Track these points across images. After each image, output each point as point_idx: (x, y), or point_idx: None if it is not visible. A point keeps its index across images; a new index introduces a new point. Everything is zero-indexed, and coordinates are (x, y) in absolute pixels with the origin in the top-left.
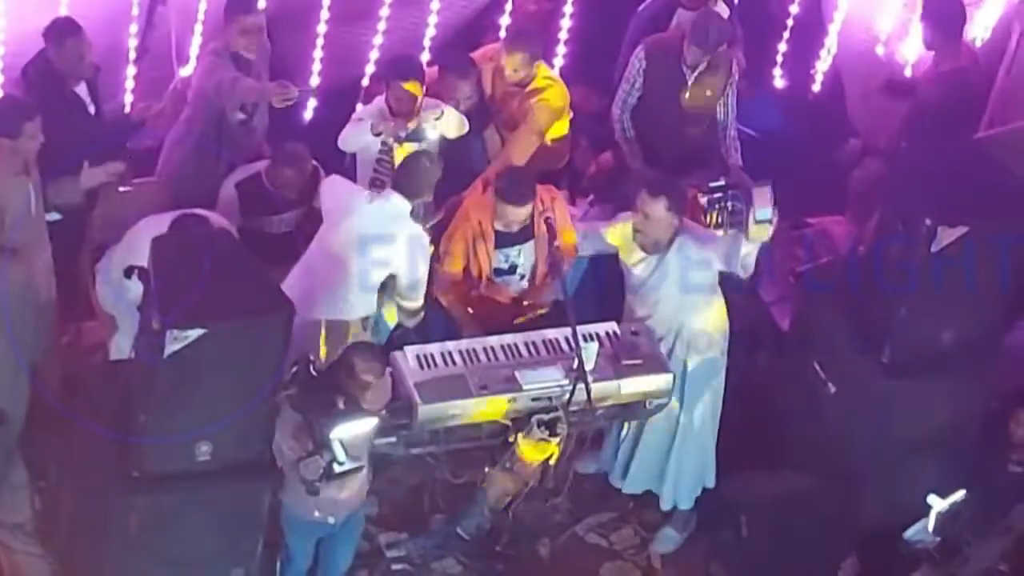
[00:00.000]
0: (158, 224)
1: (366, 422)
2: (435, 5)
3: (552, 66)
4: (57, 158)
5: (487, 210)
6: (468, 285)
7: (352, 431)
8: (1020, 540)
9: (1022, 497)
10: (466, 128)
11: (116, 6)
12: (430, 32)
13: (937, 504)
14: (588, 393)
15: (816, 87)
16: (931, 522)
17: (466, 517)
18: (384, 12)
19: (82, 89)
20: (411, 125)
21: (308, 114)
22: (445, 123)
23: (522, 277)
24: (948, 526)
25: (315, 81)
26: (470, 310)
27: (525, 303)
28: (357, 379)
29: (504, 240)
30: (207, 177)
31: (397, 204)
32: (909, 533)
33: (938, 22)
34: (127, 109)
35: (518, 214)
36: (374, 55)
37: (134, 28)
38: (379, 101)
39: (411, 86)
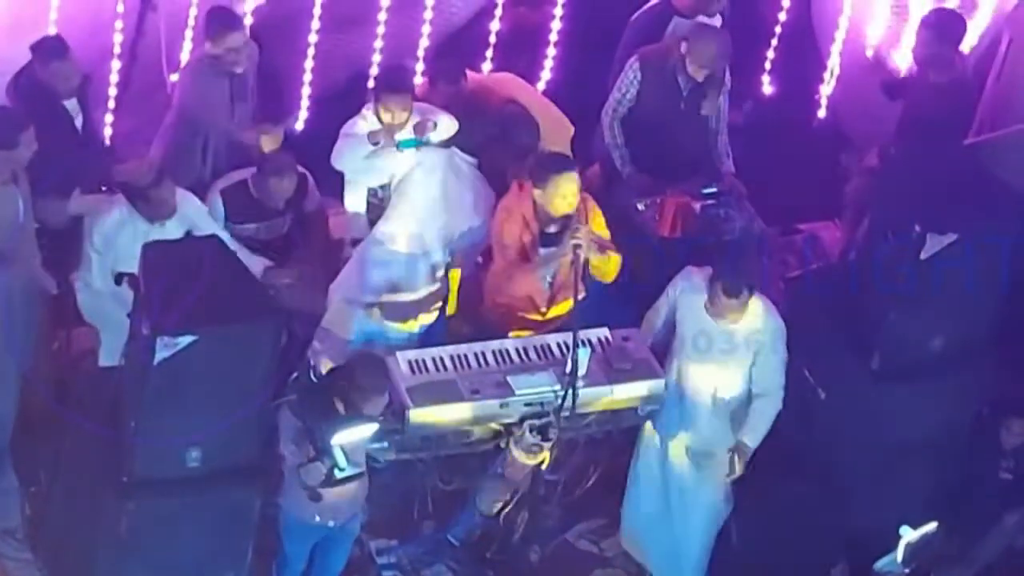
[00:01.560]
0: (115, 211)
1: (367, 428)
2: (427, 15)
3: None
4: (41, 170)
5: (528, 205)
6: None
7: (353, 437)
8: (984, 571)
9: (1011, 505)
10: (456, 127)
11: (106, 12)
12: (422, 41)
13: (907, 535)
14: (574, 398)
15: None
16: (900, 553)
17: (457, 523)
18: (376, 19)
19: (72, 102)
20: (406, 132)
21: (299, 124)
22: (441, 130)
23: (550, 285)
24: (918, 557)
25: (306, 90)
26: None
27: (548, 312)
28: (359, 387)
29: (542, 242)
30: (193, 182)
31: (466, 158)
32: (879, 565)
33: (939, 34)
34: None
35: (569, 188)
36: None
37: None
38: (366, 112)
39: (401, 98)
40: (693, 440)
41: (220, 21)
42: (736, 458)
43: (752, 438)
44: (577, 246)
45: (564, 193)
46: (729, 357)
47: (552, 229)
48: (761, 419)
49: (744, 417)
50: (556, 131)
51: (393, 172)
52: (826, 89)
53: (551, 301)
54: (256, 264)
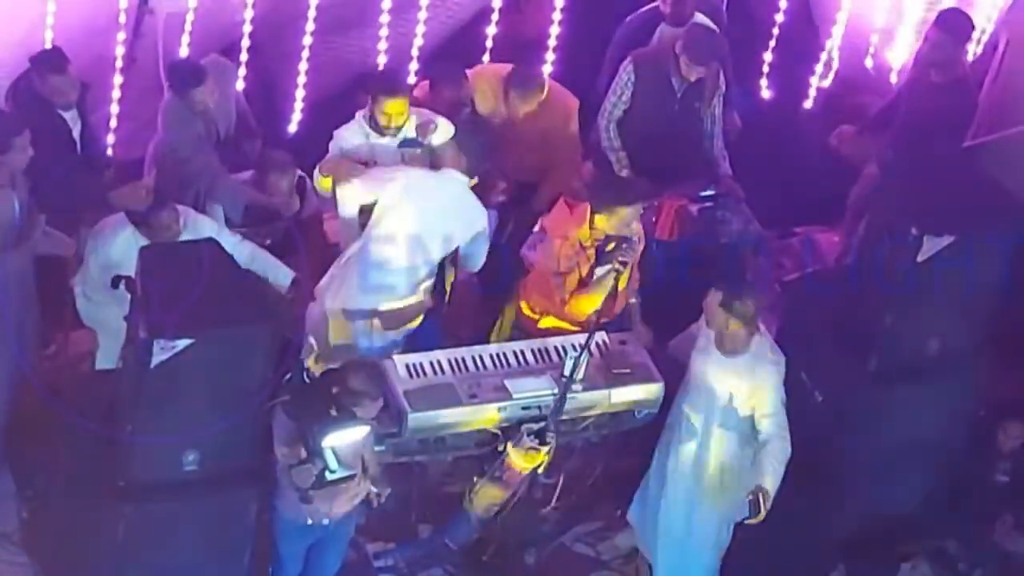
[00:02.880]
0: (121, 230)
1: (358, 430)
2: (422, 15)
3: None
4: (37, 178)
5: (584, 228)
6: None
7: (344, 439)
8: None
9: (1008, 507)
10: (452, 133)
11: (103, 15)
12: (417, 42)
13: None
14: (562, 402)
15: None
16: None
17: (454, 527)
18: (373, 22)
19: (71, 112)
20: (403, 133)
21: (293, 127)
22: (440, 132)
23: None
24: None
25: (300, 93)
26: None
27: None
28: (352, 391)
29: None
30: (190, 189)
31: (458, 177)
32: None
33: (953, 36)
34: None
35: (634, 216)
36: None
37: (122, 35)
38: (359, 116)
39: (398, 102)
40: (700, 455)
41: (183, 78)
42: (760, 501)
43: (769, 482)
44: (623, 263)
45: (629, 221)
46: (735, 387)
47: (609, 247)
48: (773, 463)
49: (757, 456)
50: (561, 107)
51: (379, 193)
52: (817, 81)
53: (599, 315)
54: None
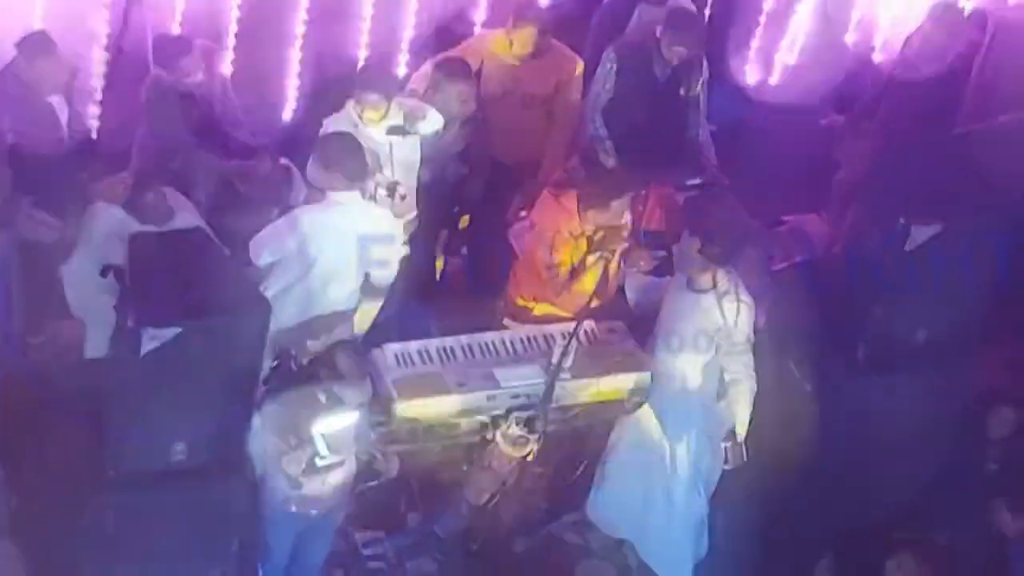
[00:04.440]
0: (109, 212)
1: (348, 416)
2: (412, 6)
3: None
4: (22, 167)
5: (575, 221)
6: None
7: (334, 425)
8: None
9: (998, 494)
10: (442, 124)
11: (93, 6)
12: (407, 34)
13: None
14: (551, 391)
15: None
16: None
17: (443, 515)
18: (363, 13)
19: (58, 97)
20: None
21: (287, 115)
22: (429, 122)
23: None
24: None
25: (295, 82)
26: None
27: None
28: (339, 376)
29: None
30: (168, 167)
31: (345, 198)
32: None
33: (942, 28)
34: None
35: (626, 206)
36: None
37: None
38: (348, 106)
39: (377, 96)
40: (674, 415)
41: (168, 49)
42: (730, 447)
43: (741, 424)
44: (612, 251)
45: (620, 213)
46: (703, 323)
47: (599, 236)
48: (741, 403)
49: (727, 406)
50: (567, 58)
51: (307, 233)
52: (783, 57)
53: (589, 301)
54: None
